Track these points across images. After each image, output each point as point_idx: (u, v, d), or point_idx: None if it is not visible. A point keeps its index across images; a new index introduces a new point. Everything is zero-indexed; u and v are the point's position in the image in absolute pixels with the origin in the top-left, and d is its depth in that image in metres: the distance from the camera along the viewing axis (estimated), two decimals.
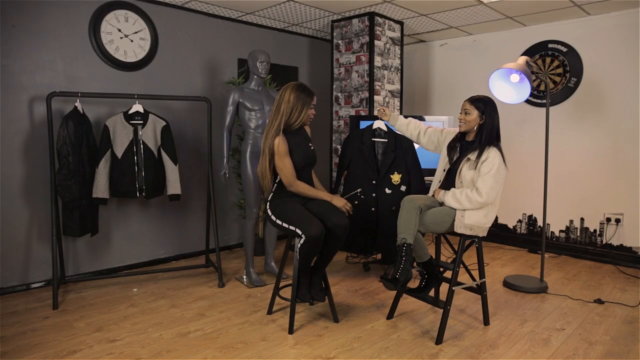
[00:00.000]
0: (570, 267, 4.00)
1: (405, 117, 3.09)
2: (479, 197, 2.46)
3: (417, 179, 3.31)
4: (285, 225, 2.56)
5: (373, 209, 3.29)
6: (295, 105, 2.59)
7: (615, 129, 4.09)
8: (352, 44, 4.36)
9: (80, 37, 3.46)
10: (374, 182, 3.28)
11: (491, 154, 2.50)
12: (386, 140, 3.30)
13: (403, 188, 3.31)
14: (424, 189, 3.28)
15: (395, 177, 3.23)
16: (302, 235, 2.45)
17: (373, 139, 3.31)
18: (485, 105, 2.57)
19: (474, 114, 2.57)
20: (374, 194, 3.28)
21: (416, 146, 3.30)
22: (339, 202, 2.63)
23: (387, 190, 3.26)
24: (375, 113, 4.26)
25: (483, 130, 2.56)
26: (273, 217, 2.64)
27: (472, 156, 2.55)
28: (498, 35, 4.82)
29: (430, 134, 2.91)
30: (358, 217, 3.24)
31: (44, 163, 3.29)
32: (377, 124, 3.31)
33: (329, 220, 2.53)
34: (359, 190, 3.21)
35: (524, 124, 4.62)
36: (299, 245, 2.49)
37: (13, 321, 2.77)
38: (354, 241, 3.35)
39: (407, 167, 3.29)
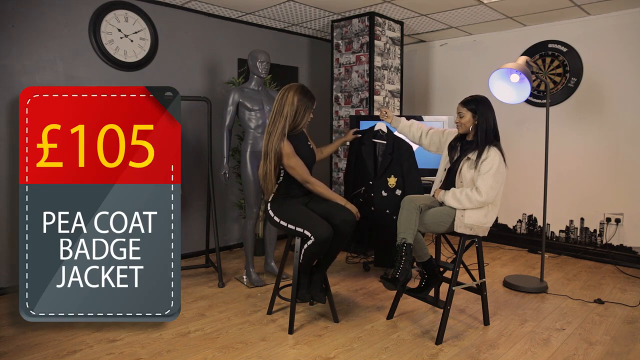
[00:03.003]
0: (570, 267, 4.00)
1: (407, 118, 3.08)
2: (479, 197, 2.46)
3: (413, 185, 3.27)
4: (290, 226, 2.54)
5: (372, 208, 3.30)
6: (299, 108, 2.57)
7: (615, 129, 4.09)
8: (352, 44, 4.36)
9: (80, 37, 3.46)
10: (370, 182, 3.30)
11: (491, 153, 2.51)
12: (385, 142, 3.30)
13: (398, 192, 3.30)
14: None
15: (392, 181, 3.24)
16: (312, 237, 2.43)
17: (374, 140, 3.31)
18: (477, 105, 2.58)
19: (467, 115, 2.60)
20: (372, 194, 3.30)
21: (416, 147, 3.30)
22: (353, 209, 2.62)
23: (384, 193, 3.27)
24: (377, 114, 4.26)
25: (478, 129, 2.57)
26: (276, 219, 2.62)
27: (472, 156, 2.55)
28: (498, 35, 4.82)
29: (432, 135, 2.91)
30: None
31: None
32: (379, 125, 3.28)
33: (336, 217, 2.52)
34: (362, 188, 3.22)
35: (523, 124, 4.62)
36: (306, 246, 2.48)
37: (13, 321, 2.77)
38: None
39: (402, 171, 3.28)
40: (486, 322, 2.76)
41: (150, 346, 2.45)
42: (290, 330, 2.61)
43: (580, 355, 2.39)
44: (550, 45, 4.44)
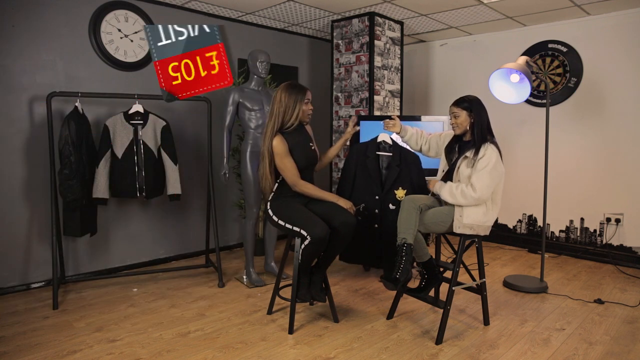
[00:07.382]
0: (570, 267, 4.00)
1: (407, 119, 3.06)
2: (473, 193, 2.46)
3: (424, 193, 3.22)
4: (288, 226, 2.55)
5: (376, 225, 3.17)
6: (287, 104, 2.60)
7: (615, 129, 4.09)
8: (352, 44, 4.36)
9: (80, 37, 3.46)
10: (377, 197, 3.16)
11: (488, 150, 2.51)
12: (391, 154, 3.16)
13: None
14: None
15: (400, 193, 3.12)
16: (308, 237, 2.44)
17: (377, 153, 3.18)
18: (470, 104, 2.60)
19: (463, 114, 2.60)
20: (376, 210, 3.15)
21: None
22: (346, 203, 2.63)
23: (391, 206, 3.13)
24: (377, 114, 4.26)
25: (475, 127, 2.58)
26: (275, 218, 2.63)
27: (470, 154, 2.56)
28: (498, 35, 4.82)
29: (431, 140, 2.93)
30: (361, 234, 3.14)
31: (44, 163, 3.29)
32: (382, 137, 3.16)
33: (336, 219, 2.52)
34: (362, 205, 3.13)
35: (524, 124, 4.62)
36: (303, 246, 2.48)
37: (13, 321, 2.77)
38: (360, 259, 3.28)
39: (412, 182, 3.15)
40: (486, 322, 2.76)
41: (150, 346, 2.45)
42: (290, 330, 2.61)
43: (580, 355, 2.39)
44: (550, 45, 4.44)
